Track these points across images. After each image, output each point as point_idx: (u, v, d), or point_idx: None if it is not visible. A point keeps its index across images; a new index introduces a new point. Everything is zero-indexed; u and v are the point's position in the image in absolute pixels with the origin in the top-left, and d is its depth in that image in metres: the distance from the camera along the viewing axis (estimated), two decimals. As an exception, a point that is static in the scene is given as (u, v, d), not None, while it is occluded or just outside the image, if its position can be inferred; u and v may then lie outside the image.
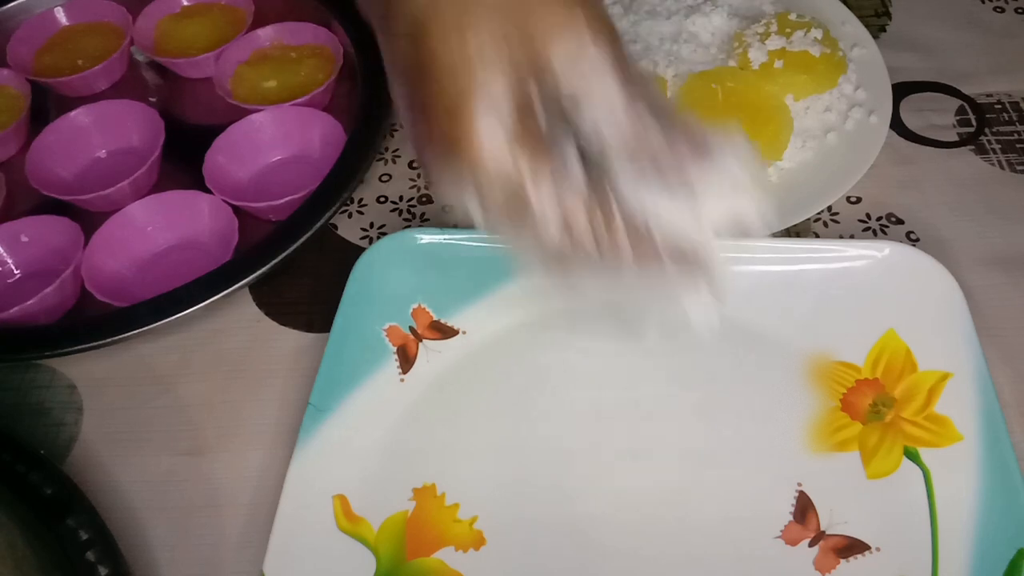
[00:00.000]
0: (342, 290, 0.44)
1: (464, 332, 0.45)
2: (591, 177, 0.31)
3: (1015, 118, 0.53)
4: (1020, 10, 0.60)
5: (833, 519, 0.38)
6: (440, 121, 0.32)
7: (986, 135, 0.53)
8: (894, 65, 0.54)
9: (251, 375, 0.45)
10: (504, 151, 0.31)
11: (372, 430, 0.41)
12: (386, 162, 0.54)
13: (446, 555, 0.38)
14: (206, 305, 0.45)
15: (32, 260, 0.50)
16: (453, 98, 0.31)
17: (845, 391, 0.42)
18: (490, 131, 0.31)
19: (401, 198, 0.52)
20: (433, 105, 0.32)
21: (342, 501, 0.39)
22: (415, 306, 0.45)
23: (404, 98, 0.34)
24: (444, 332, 0.45)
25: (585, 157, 0.32)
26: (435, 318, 0.45)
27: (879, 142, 0.50)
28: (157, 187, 0.53)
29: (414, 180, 0.53)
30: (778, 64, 0.50)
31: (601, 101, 0.31)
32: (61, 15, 0.62)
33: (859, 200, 0.50)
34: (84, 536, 0.37)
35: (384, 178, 0.54)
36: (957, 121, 0.54)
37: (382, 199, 0.53)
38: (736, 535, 0.37)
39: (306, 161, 0.53)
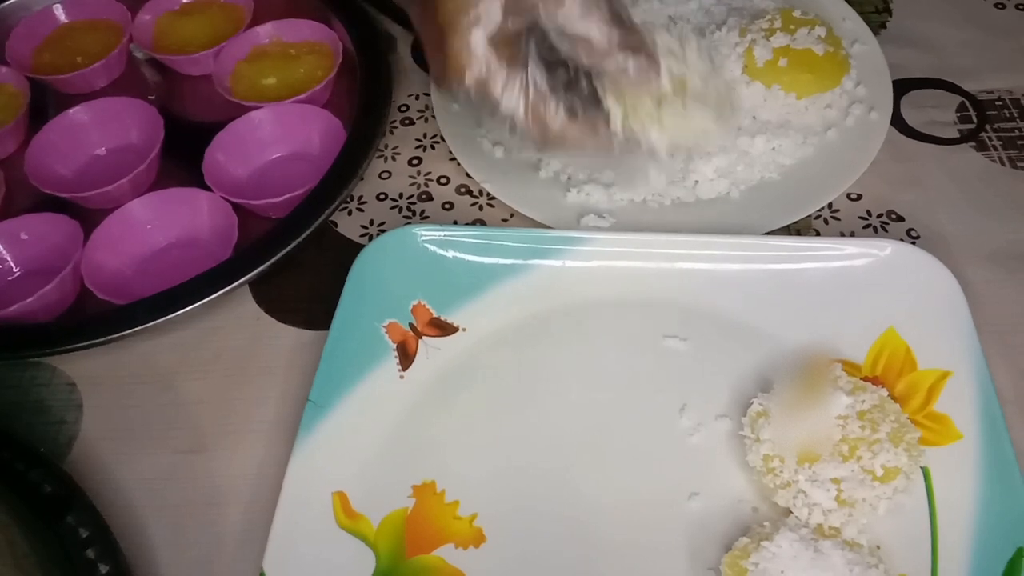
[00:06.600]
0: (342, 287, 0.44)
1: (464, 329, 0.45)
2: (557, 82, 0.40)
3: (1015, 115, 0.53)
4: (1021, 7, 0.60)
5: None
6: (438, 32, 0.40)
7: (987, 131, 0.53)
8: (895, 62, 0.54)
9: (251, 372, 0.45)
10: (482, 63, 0.40)
11: (372, 427, 0.41)
12: (386, 159, 0.54)
13: (446, 552, 0.38)
14: (206, 303, 0.45)
15: (32, 258, 0.50)
16: (450, 15, 0.40)
17: (845, 389, 0.42)
18: (475, 45, 0.40)
19: (401, 195, 0.52)
20: (434, 19, 0.41)
21: (342, 498, 0.39)
22: (415, 303, 0.45)
23: (417, 16, 0.43)
24: (444, 329, 0.45)
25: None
26: (435, 315, 0.45)
27: (880, 139, 0.50)
28: (156, 184, 0.53)
29: (414, 177, 0.53)
30: (782, 62, 0.50)
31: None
32: (60, 12, 0.62)
33: (860, 197, 0.50)
34: (84, 534, 0.37)
35: (384, 175, 0.54)
36: (958, 118, 0.54)
37: (382, 196, 0.52)
38: (737, 531, 0.37)
39: (305, 158, 0.53)
